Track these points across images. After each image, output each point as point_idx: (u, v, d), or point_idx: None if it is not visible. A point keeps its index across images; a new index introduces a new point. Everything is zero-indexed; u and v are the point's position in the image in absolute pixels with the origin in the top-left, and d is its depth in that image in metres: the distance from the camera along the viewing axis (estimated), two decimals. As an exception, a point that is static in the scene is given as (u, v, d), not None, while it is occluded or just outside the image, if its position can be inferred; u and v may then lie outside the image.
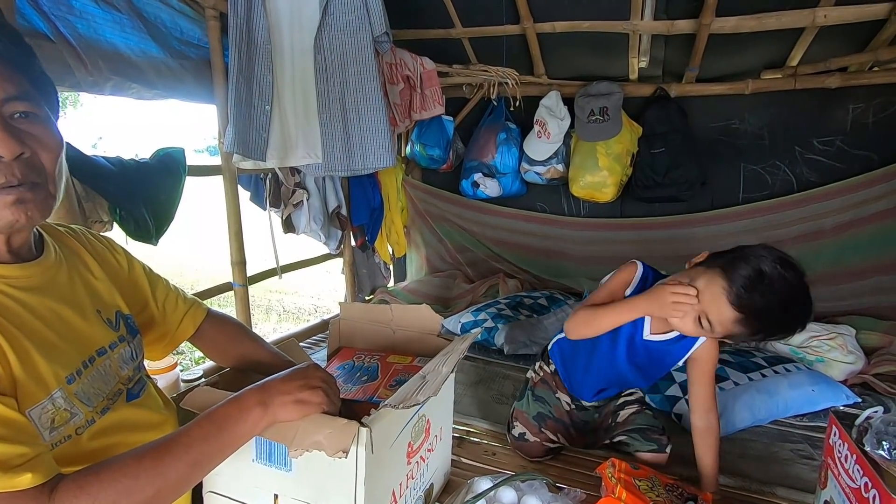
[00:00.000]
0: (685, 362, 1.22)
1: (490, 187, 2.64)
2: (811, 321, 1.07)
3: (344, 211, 2.50)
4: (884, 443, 0.74)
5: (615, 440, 1.31)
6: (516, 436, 1.37)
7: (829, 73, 2.14)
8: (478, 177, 2.64)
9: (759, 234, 2.37)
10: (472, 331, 2.15)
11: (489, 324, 2.18)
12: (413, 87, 2.29)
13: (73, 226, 0.88)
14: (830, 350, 1.85)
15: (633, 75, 2.42)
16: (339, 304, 1.37)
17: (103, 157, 1.46)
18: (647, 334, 1.19)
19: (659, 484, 1.08)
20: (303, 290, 5.05)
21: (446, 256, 3.06)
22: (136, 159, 1.57)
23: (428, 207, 2.99)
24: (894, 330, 2.00)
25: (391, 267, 3.08)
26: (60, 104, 0.75)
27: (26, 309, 0.67)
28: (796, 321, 1.00)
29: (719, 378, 1.59)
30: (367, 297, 2.82)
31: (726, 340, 1.14)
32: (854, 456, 0.79)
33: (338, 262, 2.76)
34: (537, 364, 1.47)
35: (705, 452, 1.17)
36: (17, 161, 0.63)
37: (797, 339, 1.91)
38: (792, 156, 2.35)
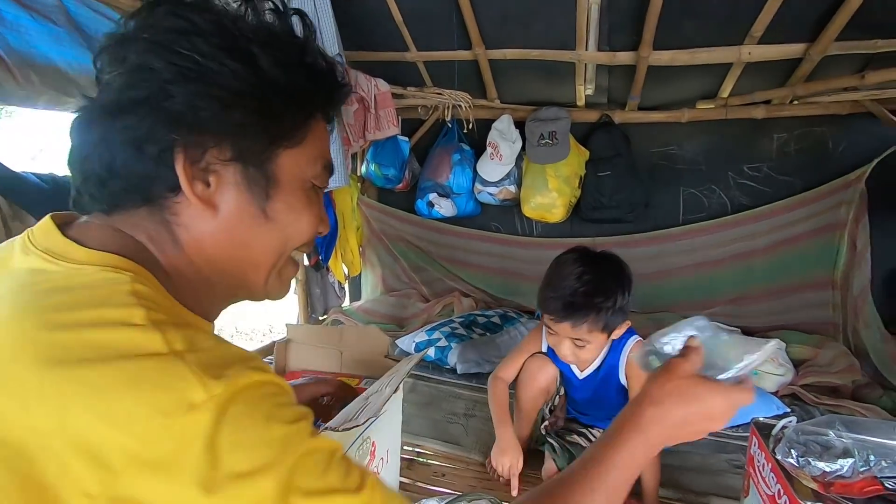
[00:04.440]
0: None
1: (445, 207, 2.67)
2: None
3: (297, 230, 2.46)
4: (793, 451, 0.79)
5: (548, 440, 1.35)
6: None
7: (756, 105, 2.32)
8: (433, 196, 2.67)
9: (698, 254, 2.50)
10: (420, 351, 2.15)
11: (442, 343, 2.18)
12: (367, 108, 2.30)
13: None
14: (763, 363, 1.96)
15: (581, 102, 2.53)
16: (286, 325, 1.34)
17: (34, 174, 1.39)
18: (580, 374, 1.33)
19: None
20: (251, 310, 4.87)
21: (402, 276, 3.05)
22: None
23: (383, 227, 2.98)
24: (820, 343, 2.14)
25: (346, 286, 3.05)
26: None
27: None
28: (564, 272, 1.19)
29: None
30: (320, 318, 2.77)
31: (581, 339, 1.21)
32: (769, 464, 0.83)
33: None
34: None
35: None
36: None
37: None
38: (726, 180, 2.50)
